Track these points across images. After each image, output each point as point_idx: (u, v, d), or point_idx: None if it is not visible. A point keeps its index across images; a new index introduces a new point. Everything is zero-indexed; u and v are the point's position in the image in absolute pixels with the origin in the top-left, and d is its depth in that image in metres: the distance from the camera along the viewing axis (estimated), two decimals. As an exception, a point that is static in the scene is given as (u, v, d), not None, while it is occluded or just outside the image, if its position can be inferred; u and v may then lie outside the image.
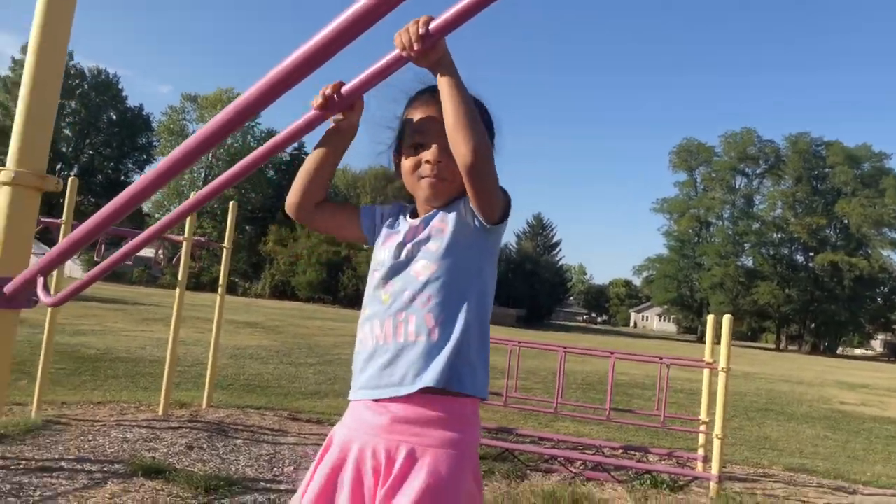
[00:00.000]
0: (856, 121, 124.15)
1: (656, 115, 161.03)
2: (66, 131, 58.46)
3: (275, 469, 4.10)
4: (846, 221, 62.86)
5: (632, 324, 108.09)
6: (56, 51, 1.15)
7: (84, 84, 58.78)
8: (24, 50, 55.97)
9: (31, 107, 1.13)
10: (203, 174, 58.07)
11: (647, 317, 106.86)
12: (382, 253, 1.45)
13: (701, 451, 4.98)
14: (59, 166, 57.33)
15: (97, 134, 59.52)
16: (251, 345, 12.49)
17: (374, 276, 1.44)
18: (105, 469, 3.70)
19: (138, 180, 0.97)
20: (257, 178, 58.24)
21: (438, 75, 1.25)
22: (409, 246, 1.41)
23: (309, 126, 1.13)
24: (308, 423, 5.67)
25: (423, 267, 1.37)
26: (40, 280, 1.05)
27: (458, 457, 1.29)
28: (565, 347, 4.88)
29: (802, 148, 63.65)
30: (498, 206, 1.36)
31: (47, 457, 3.80)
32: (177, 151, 0.91)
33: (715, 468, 4.42)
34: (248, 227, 57.40)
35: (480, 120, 1.27)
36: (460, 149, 1.24)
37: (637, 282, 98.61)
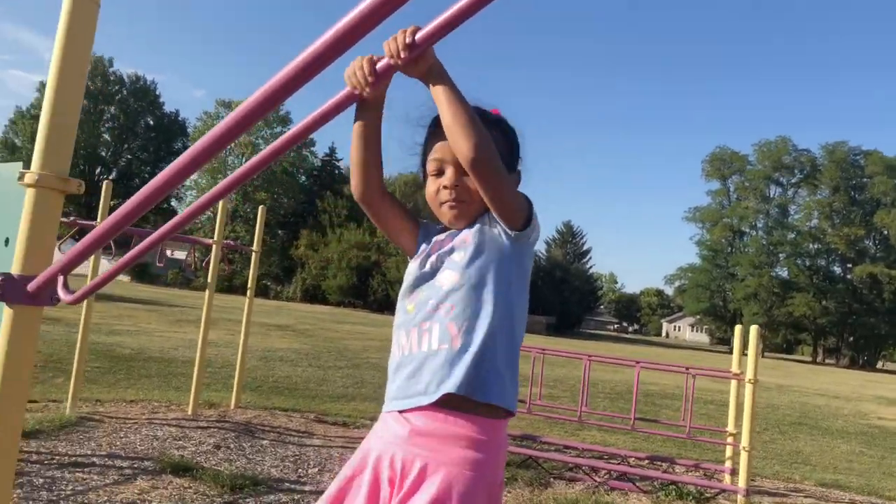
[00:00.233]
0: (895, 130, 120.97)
1: (689, 123, 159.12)
2: (106, 136, 59.92)
3: (300, 470, 4.15)
4: (886, 233, 61.24)
5: (663, 334, 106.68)
6: (79, 57, 1.20)
7: (123, 90, 60.22)
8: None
9: (54, 111, 1.18)
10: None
11: (679, 327, 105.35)
12: (412, 265, 1.47)
13: (728, 464, 4.91)
14: (98, 170, 58.81)
15: (135, 139, 60.91)
16: (281, 347, 12.63)
17: (403, 287, 1.47)
18: (135, 466, 3.79)
19: (149, 183, 1.01)
20: (289, 184, 58.98)
21: (431, 85, 1.26)
22: (433, 257, 1.42)
23: (337, 108, 1.14)
24: (334, 425, 5.72)
25: (447, 277, 1.38)
26: (61, 278, 1.09)
27: (474, 478, 1.26)
28: (590, 355, 4.86)
29: (840, 157, 62.21)
30: (517, 210, 1.35)
31: (80, 452, 3.90)
32: (185, 156, 0.94)
33: (742, 481, 4.35)
34: (280, 232, 58.09)
35: (479, 119, 1.27)
36: (460, 146, 1.24)
37: (669, 291, 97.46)
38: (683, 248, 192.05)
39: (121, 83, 60.10)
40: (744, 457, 4.35)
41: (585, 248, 73.79)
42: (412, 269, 1.46)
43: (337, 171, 62.94)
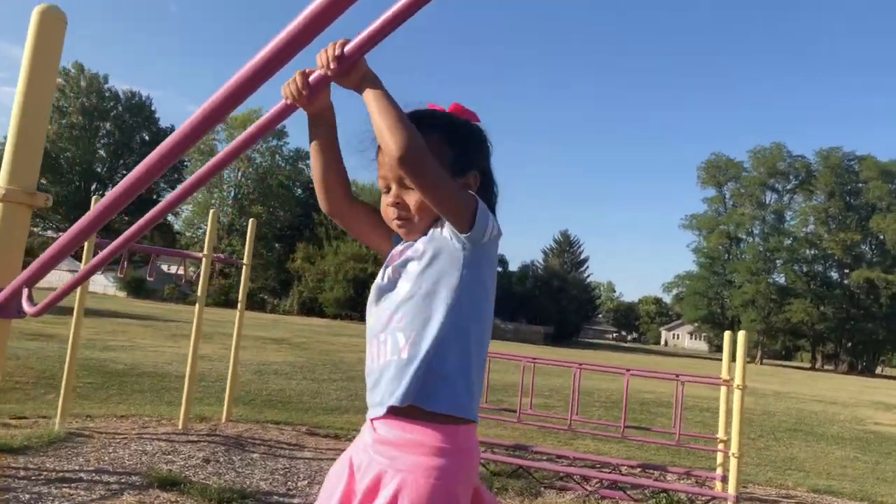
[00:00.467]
0: (889, 135, 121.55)
1: (684, 130, 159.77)
2: (101, 152, 60.01)
3: (289, 483, 4.14)
4: (881, 237, 61.47)
5: (662, 342, 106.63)
6: (47, 72, 1.22)
7: (118, 106, 60.34)
8: (62, 73, 57.77)
9: (21, 128, 1.20)
10: (232, 193, 59.01)
11: (677, 335, 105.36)
12: (380, 275, 1.47)
13: (719, 471, 4.91)
14: (94, 186, 58.78)
15: (130, 154, 60.88)
16: (276, 361, 12.61)
17: (369, 298, 1.47)
18: (122, 481, 3.78)
19: (106, 196, 1.03)
20: (285, 197, 59.01)
21: (363, 93, 1.27)
22: (390, 269, 1.43)
23: (280, 117, 1.19)
24: (326, 437, 5.71)
25: (402, 287, 1.38)
26: (25, 291, 1.11)
27: (429, 485, 1.25)
28: (580, 364, 4.87)
29: (834, 163, 62.53)
30: (458, 210, 1.32)
31: (68, 468, 3.89)
32: (138, 168, 0.96)
33: (732, 488, 4.35)
34: (276, 245, 58.08)
35: (407, 119, 1.26)
36: (388, 146, 1.24)
37: (667, 299, 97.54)
38: (681, 255, 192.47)
39: (116, 99, 60.23)
40: (733, 463, 4.36)
41: (583, 256, 73.95)
42: (376, 281, 1.47)
43: (333, 184, 62.90)
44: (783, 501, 5.06)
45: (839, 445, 9.01)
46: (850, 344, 63.15)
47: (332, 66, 1.14)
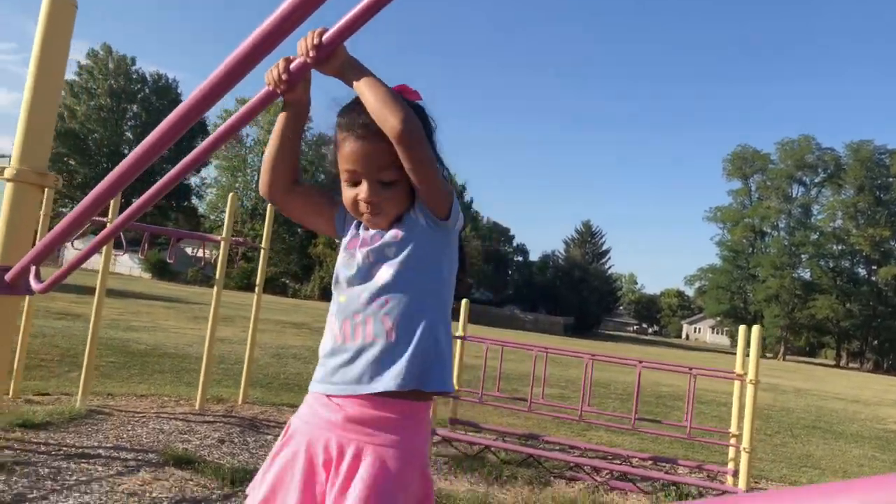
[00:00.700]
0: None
1: (711, 121, 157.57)
2: (129, 134, 60.78)
3: (301, 465, 4.21)
4: (912, 234, 60.24)
5: (683, 335, 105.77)
6: (57, 56, 1.26)
7: (145, 88, 61.03)
8: (90, 55, 58.56)
9: (33, 110, 1.24)
10: (255, 177, 59.48)
11: (699, 328, 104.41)
12: (345, 255, 1.48)
13: (731, 465, 4.89)
14: (121, 168, 59.54)
15: (157, 137, 61.54)
16: (295, 345, 12.75)
17: (335, 277, 1.48)
18: (139, 458, 3.87)
19: (105, 178, 1.06)
20: (308, 181, 59.33)
21: (350, 80, 1.32)
22: (366, 250, 1.43)
23: (263, 103, 1.22)
24: (339, 422, 5.77)
25: (381, 272, 1.41)
26: (33, 269, 1.15)
27: (407, 456, 1.34)
28: (592, 355, 4.86)
29: (864, 156, 61.23)
30: (443, 194, 1.39)
31: (87, 444, 4.00)
32: (136, 152, 0.99)
33: (742, 483, 4.33)
34: (298, 230, 58.51)
35: (400, 97, 1.32)
36: (389, 123, 1.28)
37: (689, 292, 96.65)
38: (704, 248, 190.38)
39: (143, 81, 60.90)
40: (744, 458, 4.34)
41: (605, 248, 73.43)
42: (344, 262, 1.46)
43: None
44: (795, 498, 5.02)
45: (857, 444, 8.91)
46: (875, 342, 62.12)
47: (311, 54, 1.17)
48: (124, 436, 4.31)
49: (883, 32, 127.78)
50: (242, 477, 3.70)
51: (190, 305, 20.30)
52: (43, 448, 3.80)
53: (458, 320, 5.30)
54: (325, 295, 51.40)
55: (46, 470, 3.43)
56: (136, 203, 1.28)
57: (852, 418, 12.37)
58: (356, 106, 1.39)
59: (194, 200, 63.84)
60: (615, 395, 10.90)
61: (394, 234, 1.43)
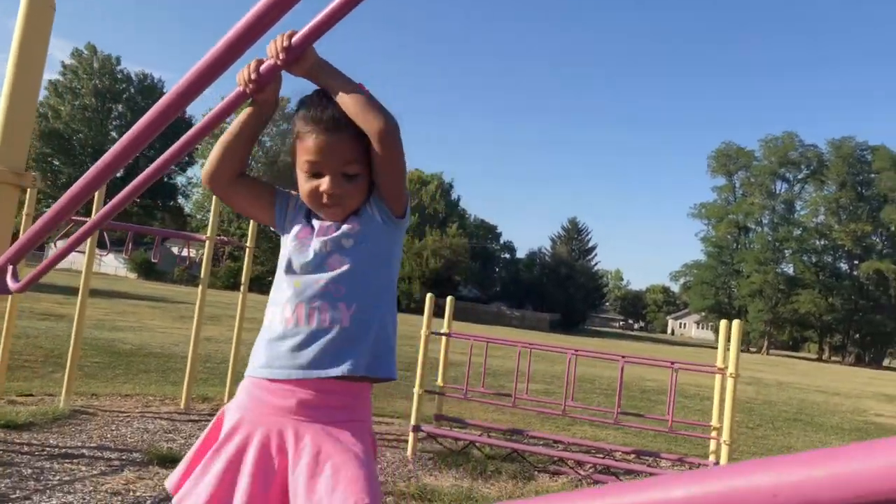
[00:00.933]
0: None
1: (695, 118, 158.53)
2: (114, 134, 60.22)
3: (286, 462, 4.22)
4: (893, 229, 61.02)
5: (669, 331, 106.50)
6: (35, 56, 1.27)
7: (130, 88, 60.51)
8: (75, 55, 57.95)
9: (10, 109, 1.25)
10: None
11: (684, 324, 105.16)
12: (296, 244, 1.48)
13: (712, 458, 4.96)
14: (104, 167, 59.03)
15: (142, 136, 61.08)
16: (281, 344, 12.72)
17: (286, 263, 1.48)
18: (123, 457, 3.87)
19: (82, 178, 1.08)
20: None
21: (322, 82, 1.36)
22: (324, 239, 1.46)
23: (235, 104, 1.24)
24: (325, 419, 5.79)
25: (340, 262, 1.43)
26: (10, 268, 1.16)
27: (365, 427, 1.43)
28: (576, 350, 4.91)
29: (846, 153, 61.96)
30: (404, 196, 1.48)
31: (70, 444, 3.99)
32: (111, 151, 1.01)
33: (723, 474, 4.39)
34: (285, 229, 58.38)
35: (375, 97, 1.38)
36: (374, 124, 1.34)
37: (675, 288, 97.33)
38: (689, 244, 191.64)
39: (128, 81, 60.40)
40: (724, 450, 4.41)
41: (591, 244, 73.68)
42: (296, 249, 1.47)
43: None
44: (775, 489, 5.10)
45: (838, 435, 9.04)
46: (857, 335, 62.91)
47: (280, 56, 1.20)
48: (108, 435, 4.31)
49: (866, 29, 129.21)
50: (227, 475, 3.71)
51: (176, 305, 20.19)
52: (26, 448, 3.79)
53: (442, 317, 5.34)
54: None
55: (29, 470, 3.42)
56: (113, 201, 1.30)
57: (833, 410, 12.54)
58: (321, 99, 1.41)
59: (180, 200, 63.46)
60: (600, 391, 10.98)
61: (350, 226, 1.46)
